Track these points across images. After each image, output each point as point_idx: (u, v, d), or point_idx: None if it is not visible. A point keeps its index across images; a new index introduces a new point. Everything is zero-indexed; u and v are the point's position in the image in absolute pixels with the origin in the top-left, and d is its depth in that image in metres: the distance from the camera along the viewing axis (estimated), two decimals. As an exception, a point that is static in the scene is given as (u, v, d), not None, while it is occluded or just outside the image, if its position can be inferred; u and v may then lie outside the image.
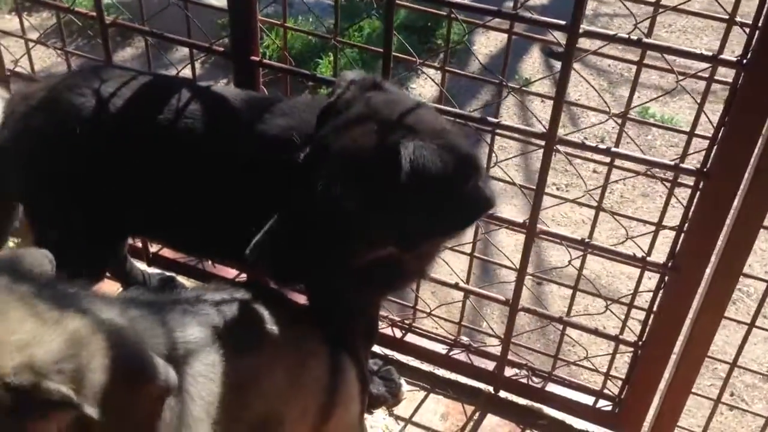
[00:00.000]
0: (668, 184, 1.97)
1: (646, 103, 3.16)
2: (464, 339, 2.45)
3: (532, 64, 4.47)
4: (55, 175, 1.89)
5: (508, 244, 3.34)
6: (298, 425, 1.65)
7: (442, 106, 2.00)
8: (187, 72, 2.41)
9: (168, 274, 2.63)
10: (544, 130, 1.86)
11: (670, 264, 1.95)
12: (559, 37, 1.82)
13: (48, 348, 1.08)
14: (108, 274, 2.53)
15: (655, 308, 2.07)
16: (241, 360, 1.49)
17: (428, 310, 2.44)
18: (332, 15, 4.48)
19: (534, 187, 1.94)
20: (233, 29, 2.08)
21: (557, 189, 3.70)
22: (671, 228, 1.97)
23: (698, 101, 1.84)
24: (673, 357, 2.14)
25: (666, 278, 2.00)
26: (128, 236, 2.30)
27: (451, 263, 2.26)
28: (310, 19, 4.42)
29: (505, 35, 2.08)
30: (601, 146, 1.88)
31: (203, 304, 1.54)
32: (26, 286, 1.16)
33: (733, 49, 1.76)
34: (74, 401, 1.06)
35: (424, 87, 4.38)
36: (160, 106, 1.82)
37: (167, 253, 2.64)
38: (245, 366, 1.50)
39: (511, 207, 3.52)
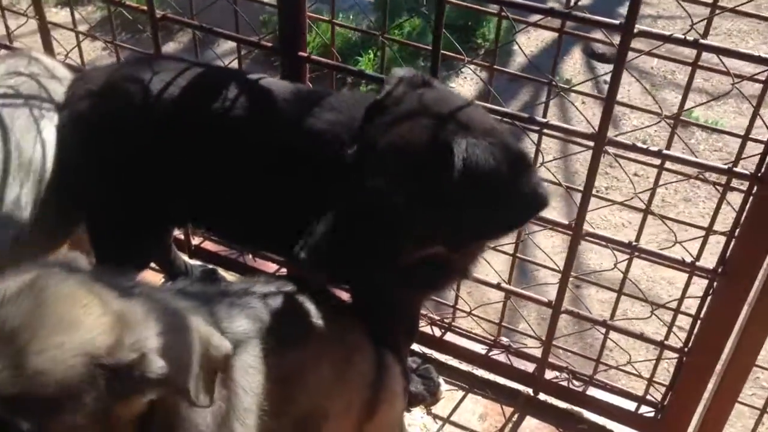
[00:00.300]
0: (719, 189, 1.94)
1: (697, 106, 3.10)
2: (504, 340, 2.43)
3: (573, 65, 4.42)
4: (105, 161, 1.93)
5: (546, 246, 3.31)
6: (342, 420, 1.65)
7: (489, 105, 1.99)
8: (233, 67, 2.43)
9: (209, 266, 2.65)
10: (593, 131, 1.84)
11: (720, 269, 1.92)
12: (609, 36, 1.80)
13: (137, 327, 1.10)
14: (152, 264, 2.57)
15: (702, 314, 2.04)
16: (288, 353, 1.50)
17: (468, 310, 2.43)
18: (371, 13, 4.50)
19: (580, 189, 1.92)
20: (282, 25, 2.09)
21: (596, 191, 3.65)
22: (722, 233, 1.94)
23: (750, 104, 1.80)
24: (719, 364, 2.10)
25: (715, 284, 1.96)
26: (175, 225, 2.33)
27: (489, 263, 2.24)
28: (351, 17, 4.42)
29: (546, 35, 2.08)
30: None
31: (251, 297, 1.55)
32: (91, 278, 1.18)
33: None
34: (173, 377, 1.08)
35: (464, 86, 4.36)
36: (212, 97, 1.84)
37: (209, 245, 2.67)
38: (291, 359, 1.50)
39: (550, 209, 3.49)
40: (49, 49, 2.63)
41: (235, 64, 2.40)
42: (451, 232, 1.51)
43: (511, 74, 2.39)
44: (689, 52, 1.98)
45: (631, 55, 1.70)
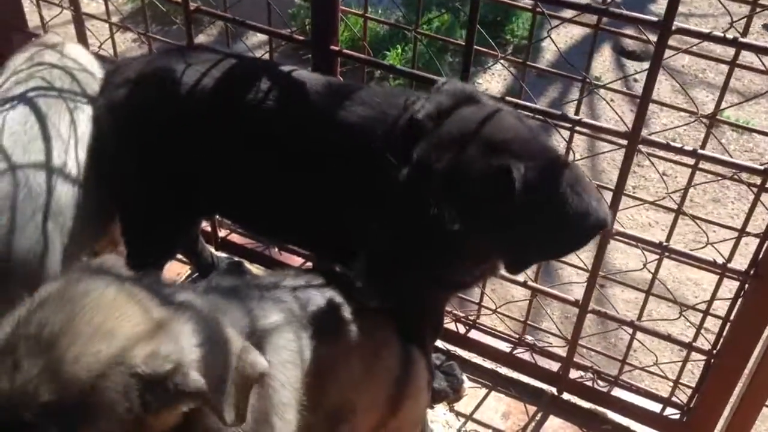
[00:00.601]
0: (754, 189, 1.91)
1: (731, 106, 3.05)
2: (529, 338, 2.42)
3: (603, 62, 4.38)
4: (139, 150, 1.95)
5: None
6: (368, 415, 1.65)
7: (522, 102, 1.98)
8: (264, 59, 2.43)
9: (236, 258, 2.67)
10: (626, 129, 1.82)
11: (752, 272, 1.89)
12: (644, 33, 1.78)
13: (175, 338, 1.09)
14: (179, 255, 2.59)
15: (731, 317, 2.01)
16: (320, 348, 1.50)
17: (493, 307, 2.42)
18: (399, 8, 4.49)
19: (608, 187, 1.91)
20: (314, 18, 2.10)
21: (625, 190, 3.62)
22: (755, 235, 1.91)
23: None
24: (747, 367, 2.07)
25: (746, 286, 1.94)
26: (203, 216, 2.35)
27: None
28: (380, 11, 4.42)
29: (576, 32, 2.06)
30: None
31: (282, 291, 1.56)
32: (132, 284, 1.18)
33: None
34: (207, 391, 1.07)
35: (491, 82, 4.34)
36: (245, 88, 1.85)
37: (235, 238, 2.69)
38: (324, 354, 1.51)
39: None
40: (82, 39, 2.66)
41: (266, 57, 2.41)
42: (513, 255, 1.53)
43: (544, 71, 2.37)
44: (721, 51, 1.95)
45: (667, 54, 1.68)
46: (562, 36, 4.56)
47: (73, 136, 1.93)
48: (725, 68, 2.00)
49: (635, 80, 4.23)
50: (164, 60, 1.95)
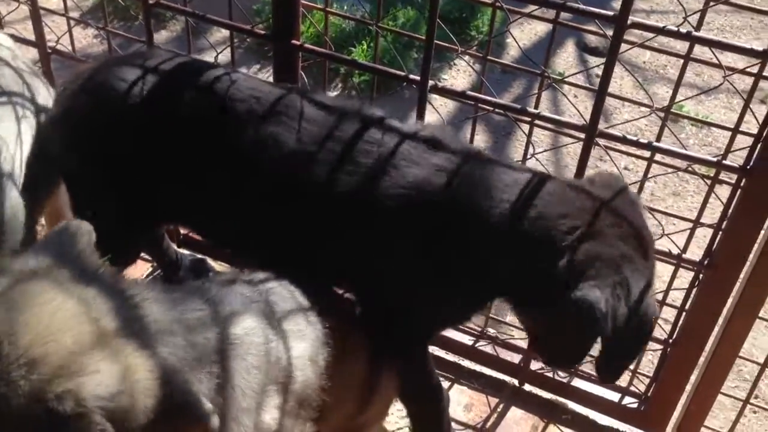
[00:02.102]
0: (707, 182, 1.95)
1: (688, 99, 3.11)
2: (491, 331, 2.44)
3: (566, 58, 4.43)
4: (93, 156, 1.90)
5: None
6: (333, 414, 1.65)
7: (483, 96, 2.00)
8: (226, 55, 2.42)
9: (199, 256, 2.65)
10: (584, 122, 1.85)
11: (706, 262, 1.93)
12: (603, 28, 1.80)
13: (98, 381, 1.05)
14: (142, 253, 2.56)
15: (687, 306, 2.05)
16: (287, 348, 1.49)
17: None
18: (365, 4, 4.49)
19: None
20: (275, 12, 2.09)
21: (587, 185, 3.67)
22: (709, 225, 1.95)
23: (741, 98, 1.82)
24: (702, 356, 2.12)
25: (701, 276, 1.98)
26: (163, 221, 2.30)
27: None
28: (345, 7, 4.42)
29: (540, 29, 2.08)
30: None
31: (251, 292, 1.53)
32: (81, 284, 1.13)
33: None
34: None
35: (457, 78, 4.37)
36: (200, 94, 1.81)
37: (197, 235, 2.66)
38: (292, 355, 1.49)
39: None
40: (40, 35, 2.61)
41: (228, 53, 2.39)
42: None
43: (504, 65, 2.39)
44: (682, 47, 1.99)
45: (623, 48, 1.71)
46: (527, 32, 4.61)
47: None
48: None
49: (597, 76, 4.29)
50: (115, 63, 1.92)
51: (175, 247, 2.63)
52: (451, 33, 4.78)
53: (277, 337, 1.44)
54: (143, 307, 1.22)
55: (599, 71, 4.28)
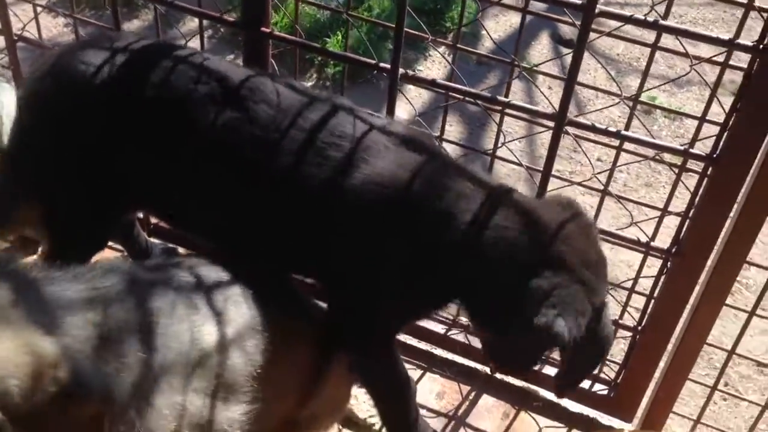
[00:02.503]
0: (675, 171, 1.97)
1: (656, 87, 3.14)
2: (463, 319, 2.45)
3: (540, 50, 4.45)
4: (58, 140, 1.87)
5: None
6: (275, 405, 1.63)
7: (453, 84, 2.00)
8: (196, 43, 2.39)
9: (169, 245, 2.62)
10: (554, 111, 1.85)
11: (674, 250, 1.95)
12: (573, 18, 1.81)
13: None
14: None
15: (656, 294, 2.07)
16: (215, 329, 1.47)
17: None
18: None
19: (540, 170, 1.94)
20: (245, -1, 2.06)
21: (560, 175, 3.70)
22: (677, 214, 1.97)
23: (710, 89, 1.83)
24: (671, 344, 2.14)
25: (669, 264, 2.00)
26: (131, 208, 2.27)
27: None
28: (318, -3, 4.39)
29: (515, 20, 2.09)
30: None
31: (178, 274, 1.52)
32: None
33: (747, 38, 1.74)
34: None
35: (431, 69, 4.37)
36: (167, 77, 1.78)
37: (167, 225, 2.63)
38: (219, 337, 1.48)
39: (514, 192, 3.52)
40: (5, 23, 2.56)
41: (197, 42, 2.36)
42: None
43: (474, 53, 2.39)
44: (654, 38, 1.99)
45: (599, 41, 1.72)
46: (502, 24, 4.62)
47: None
48: (658, 56, 2.03)
49: (572, 68, 4.31)
50: (79, 48, 1.88)
51: (145, 236, 2.60)
52: (426, 24, 4.78)
53: (201, 321, 1.42)
54: (39, 287, 1.20)
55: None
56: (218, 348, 1.46)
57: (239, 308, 1.55)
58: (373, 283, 1.72)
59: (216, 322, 1.48)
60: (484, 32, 4.58)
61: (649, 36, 3.00)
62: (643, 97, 4.10)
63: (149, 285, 1.41)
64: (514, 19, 4.49)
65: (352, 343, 1.84)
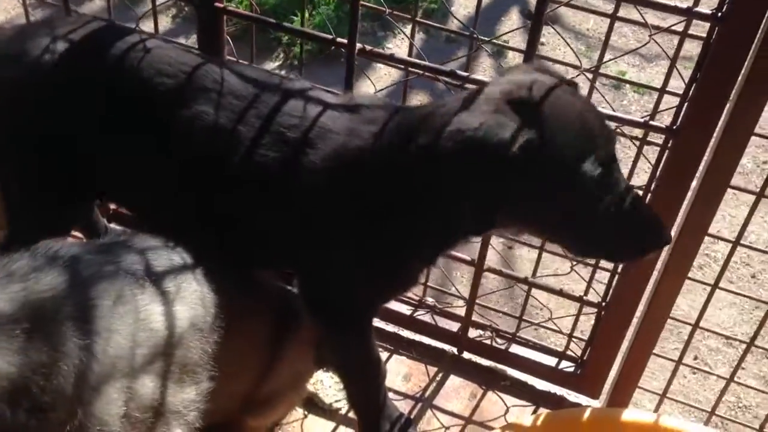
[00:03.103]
0: (635, 143, 1.94)
1: (619, 56, 3.11)
2: (429, 300, 2.42)
3: (510, 26, 4.40)
4: (15, 129, 1.81)
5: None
6: (233, 378, 1.60)
7: (412, 59, 1.95)
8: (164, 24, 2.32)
9: (129, 231, 2.56)
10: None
11: (635, 224, 1.93)
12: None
13: None
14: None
15: (619, 269, 2.06)
16: (166, 309, 1.43)
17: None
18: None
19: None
20: (195, -27, 2.00)
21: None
22: (638, 187, 1.94)
23: (670, 61, 1.80)
24: (636, 319, 2.13)
25: (632, 239, 1.98)
26: (89, 197, 2.21)
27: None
28: (286, -26, 4.31)
29: None
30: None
31: (134, 255, 1.48)
32: None
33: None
34: None
35: (401, 48, 4.31)
36: (118, 59, 1.72)
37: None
38: (170, 316, 1.44)
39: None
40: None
41: (166, 22, 2.28)
42: None
43: (434, 27, 2.34)
44: (625, 11, 1.93)
45: (570, 16, 1.68)
46: (471, 0, 4.56)
47: None
48: (627, 31, 2.02)
49: (542, 43, 4.27)
50: (30, 29, 1.82)
51: (105, 221, 2.55)
52: (392, 2, 4.71)
53: (149, 301, 1.39)
54: None
55: (545, 39, 4.29)
56: (169, 328, 1.42)
57: (191, 286, 1.51)
58: (345, 253, 1.67)
59: (166, 301, 1.43)
60: (455, 8, 4.53)
61: (626, 10, 2.97)
62: (613, 72, 4.09)
63: (93, 267, 1.36)
64: (484, -4, 4.44)
65: (325, 322, 1.80)
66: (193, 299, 1.49)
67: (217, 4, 2.03)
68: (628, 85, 4.02)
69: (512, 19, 4.44)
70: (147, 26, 2.60)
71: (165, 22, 4.46)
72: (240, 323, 1.57)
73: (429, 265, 1.76)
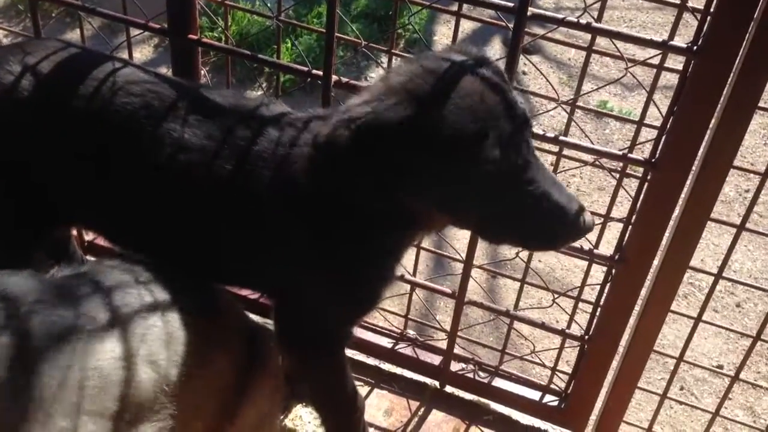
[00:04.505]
0: (615, 176, 1.93)
1: (598, 88, 3.13)
2: (411, 333, 2.38)
3: (492, 56, 4.41)
4: None
5: (464, 235, 3.30)
6: (192, 421, 1.54)
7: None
8: (136, 54, 2.30)
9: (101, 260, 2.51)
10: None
11: (617, 256, 1.91)
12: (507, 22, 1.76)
13: None
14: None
15: (602, 302, 2.03)
16: (117, 345, 1.37)
17: (375, 303, 2.36)
18: (292, 0, 4.41)
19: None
20: (169, 4, 1.98)
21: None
22: (618, 220, 1.93)
23: (647, 93, 1.80)
24: (620, 351, 2.10)
25: (613, 271, 1.96)
26: (62, 223, 2.18)
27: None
28: (269, 4, 4.31)
29: (468, 26, 2.03)
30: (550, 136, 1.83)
31: (87, 287, 1.43)
32: None
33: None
34: None
35: (383, 76, 4.31)
36: (90, 84, 1.70)
37: (102, 240, 2.53)
38: (121, 352, 1.38)
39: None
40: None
41: (138, 55, 2.26)
42: None
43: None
44: (606, 44, 1.93)
45: (550, 46, 1.67)
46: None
47: None
48: (609, 60, 2.00)
49: (524, 73, 4.29)
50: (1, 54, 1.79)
51: (81, 253, 2.50)
52: (377, 31, 4.73)
53: (98, 337, 1.33)
54: None
55: (525, 68, 4.31)
56: (120, 364, 1.36)
57: (149, 318, 1.45)
58: (310, 275, 1.63)
59: (119, 336, 1.38)
60: (436, 38, 4.55)
61: (602, 42, 2.98)
62: (595, 100, 4.11)
63: (39, 305, 1.31)
64: (466, 25, 4.46)
65: (299, 351, 1.77)
66: (152, 332, 1.42)
67: (190, 36, 2.01)
68: (606, 116, 4.04)
69: (494, 48, 4.46)
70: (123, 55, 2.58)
71: (147, 52, 4.45)
72: (203, 355, 1.51)
73: (390, 278, 1.70)
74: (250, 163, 1.60)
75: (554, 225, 1.45)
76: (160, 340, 1.43)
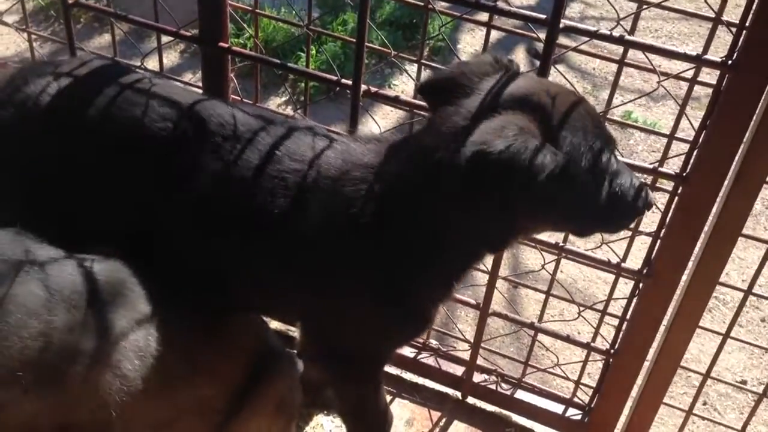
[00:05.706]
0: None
1: (627, 102, 3.11)
2: (433, 342, 2.38)
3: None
4: (15, 173, 1.76)
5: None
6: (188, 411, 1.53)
7: (415, 101, 1.93)
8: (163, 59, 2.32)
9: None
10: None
11: (645, 271, 1.89)
12: (541, 33, 1.75)
13: None
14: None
15: (628, 316, 2.01)
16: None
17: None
18: (319, 9, 4.42)
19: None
20: (201, 13, 2.00)
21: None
22: (648, 234, 1.91)
23: (679, 106, 1.78)
24: (645, 365, 2.08)
25: (641, 285, 1.94)
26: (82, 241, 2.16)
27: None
28: (294, 12, 4.33)
29: (492, 35, 2.02)
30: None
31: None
32: None
33: (720, 53, 1.69)
34: None
35: (407, 84, 4.32)
36: (117, 102, 1.67)
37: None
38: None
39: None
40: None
41: (165, 60, 2.28)
42: None
43: (438, 67, 2.32)
44: (632, 54, 1.93)
45: (575, 55, 1.66)
46: (478, 38, 4.58)
47: None
48: (633, 71, 1.96)
49: (549, 82, 4.27)
50: (28, 70, 1.79)
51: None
52: (402, 39, 4.72)
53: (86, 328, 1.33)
54: None
55: (550, 79, 4.30)
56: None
57: (140, 315, 1.46)
58: (357, 301, 1.61)
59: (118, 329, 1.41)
60: (460, 46, 4.54)
61: (632, 54, 2.97)
62: (619, 112, 4.08)
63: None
64: (491, 33, 4.46)
65: (335, 371, 1.76)
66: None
67: (221, 44, 2.03)
68: (631, 127, 4.01)
69: (518, 58, 4.45)
70: (153, 62, 2.61)
71: (173, 57, 4.49)
72: (190, 381, 1.51)
73: (445, 299, 1.71)
74: (297, 191, 1.59)
75: (631, 210, 1.56)
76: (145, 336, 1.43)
